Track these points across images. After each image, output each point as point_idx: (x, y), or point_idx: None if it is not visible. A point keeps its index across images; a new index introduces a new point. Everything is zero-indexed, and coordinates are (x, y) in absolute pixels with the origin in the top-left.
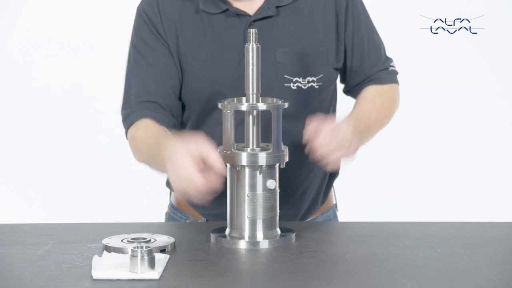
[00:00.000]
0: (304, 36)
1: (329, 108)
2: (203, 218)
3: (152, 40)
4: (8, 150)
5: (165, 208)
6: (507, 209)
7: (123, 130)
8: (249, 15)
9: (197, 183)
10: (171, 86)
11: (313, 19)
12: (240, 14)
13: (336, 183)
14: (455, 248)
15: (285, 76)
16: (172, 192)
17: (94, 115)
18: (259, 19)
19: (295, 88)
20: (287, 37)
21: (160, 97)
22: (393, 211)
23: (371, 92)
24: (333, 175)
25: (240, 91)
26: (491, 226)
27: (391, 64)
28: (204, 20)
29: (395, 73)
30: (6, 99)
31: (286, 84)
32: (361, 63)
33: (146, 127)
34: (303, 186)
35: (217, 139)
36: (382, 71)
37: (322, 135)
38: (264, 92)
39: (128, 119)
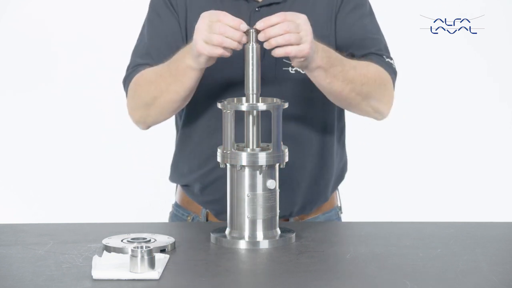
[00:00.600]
0: None
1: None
2: (203, 211)
3: (164, 11)
4: (8, 150)
5: (165, 208)
6: (507, 209)
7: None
8: (257, 1)
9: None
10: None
11: (316, 7)
12: None
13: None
14: (455, 248)
15: (283, 60)
16: (178, 187)
17: (94, 115)
18: (267, 4)
19: (293, 72)
20: None
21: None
22: (393, 211)
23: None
24: (339, 176)
25: (241, 73)
26: (491, 226)
27: (391, 61)
28: (213, 2)
29: (391, 66)
30: (6, 99)
31: (284, 68)
32: (350, 45)
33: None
34: (300, 174)
35: (213, 124)
36: (374, 55)
37: (275, 16)
38: (263, 75)
39: (131, 75)
